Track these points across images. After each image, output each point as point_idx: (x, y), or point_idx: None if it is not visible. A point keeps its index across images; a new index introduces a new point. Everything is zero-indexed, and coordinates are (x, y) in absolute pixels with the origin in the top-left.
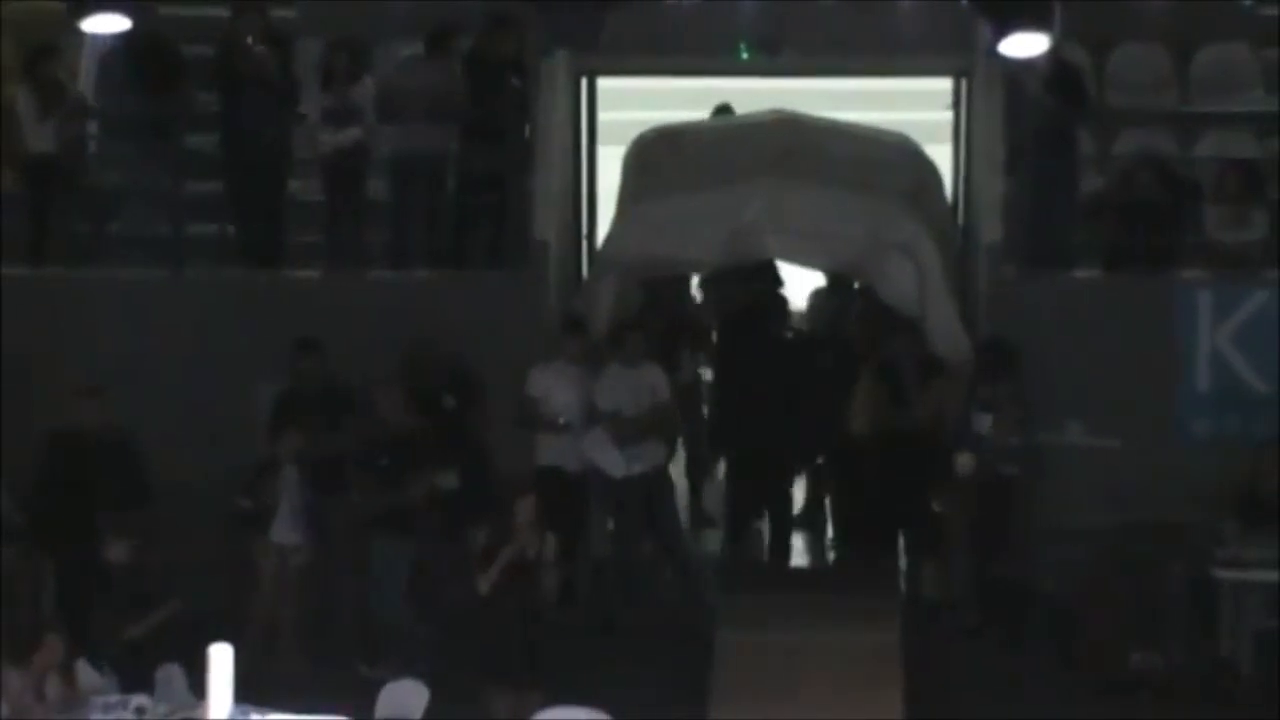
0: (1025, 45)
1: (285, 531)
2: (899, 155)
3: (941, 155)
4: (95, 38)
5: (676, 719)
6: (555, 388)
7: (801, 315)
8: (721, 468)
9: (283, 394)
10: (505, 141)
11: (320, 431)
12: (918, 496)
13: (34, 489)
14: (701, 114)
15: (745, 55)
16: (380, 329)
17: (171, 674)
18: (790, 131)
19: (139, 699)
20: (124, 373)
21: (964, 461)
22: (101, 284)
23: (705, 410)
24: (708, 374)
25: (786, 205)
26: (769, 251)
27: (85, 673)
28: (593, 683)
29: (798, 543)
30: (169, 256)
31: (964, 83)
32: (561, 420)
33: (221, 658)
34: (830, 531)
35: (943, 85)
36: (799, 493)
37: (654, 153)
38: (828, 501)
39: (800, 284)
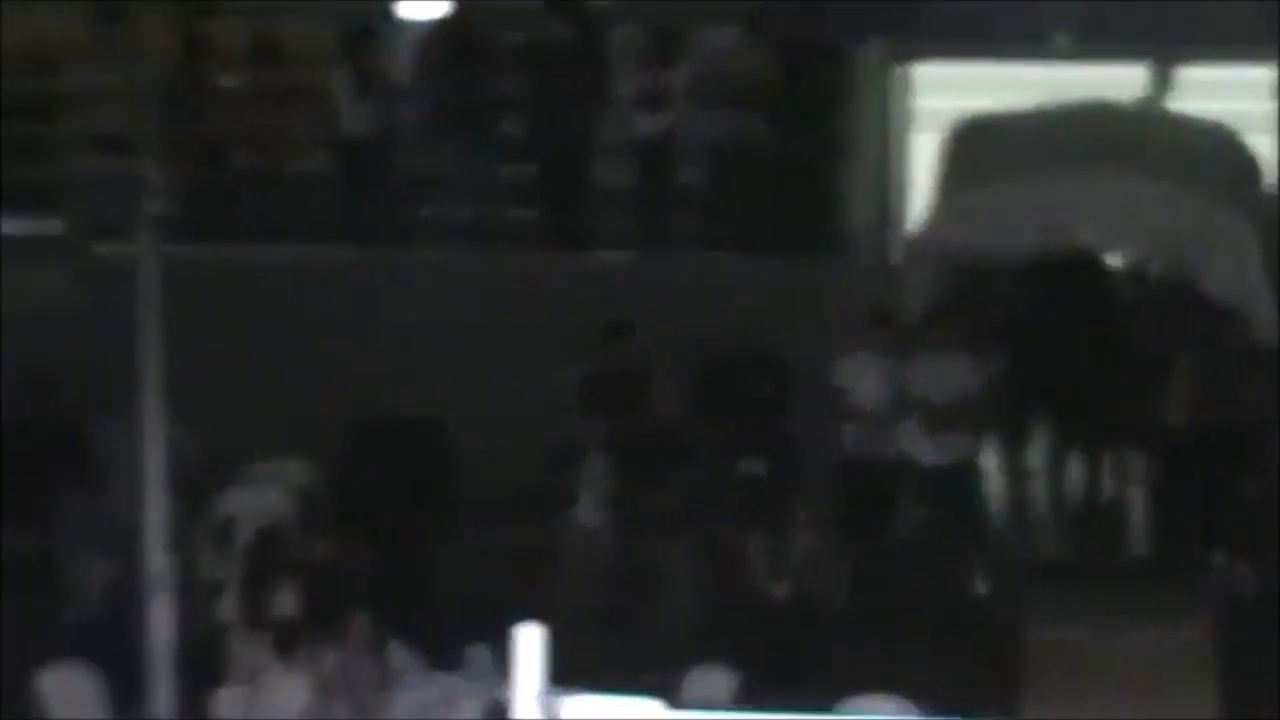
0: None
1: (589, 515)
2: (1219, 145)
3: (1263, 146)
4: (410, 23)
5: (984, 714)
6: (863, 377)
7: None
8: (1031, 456)
9: (589, 377)
10: (818, 128)
11: (625, 416)
12: (1234, 489)
13: (344, 471)
14: (1018, 102)
15: (1063, 42)
16: (689, 314)
17: (480, 654)
18: (1108, 120)
19: (449, 678)
20: (433, 356)
21: None
22: (413, 267)
23: (1015, 399)
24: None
25: (1104, 194)
26: (1085, 241)
27: (396, 652)
28: (896, 675)
29: (1105, 535)
30: (480, 240)
31: None
32: (869, 409)
33: (530, 638)
34: (1138, 524)
35: (1265, 74)
36: (1106, 483)
37: (970, 141)
38: (1134, 493)
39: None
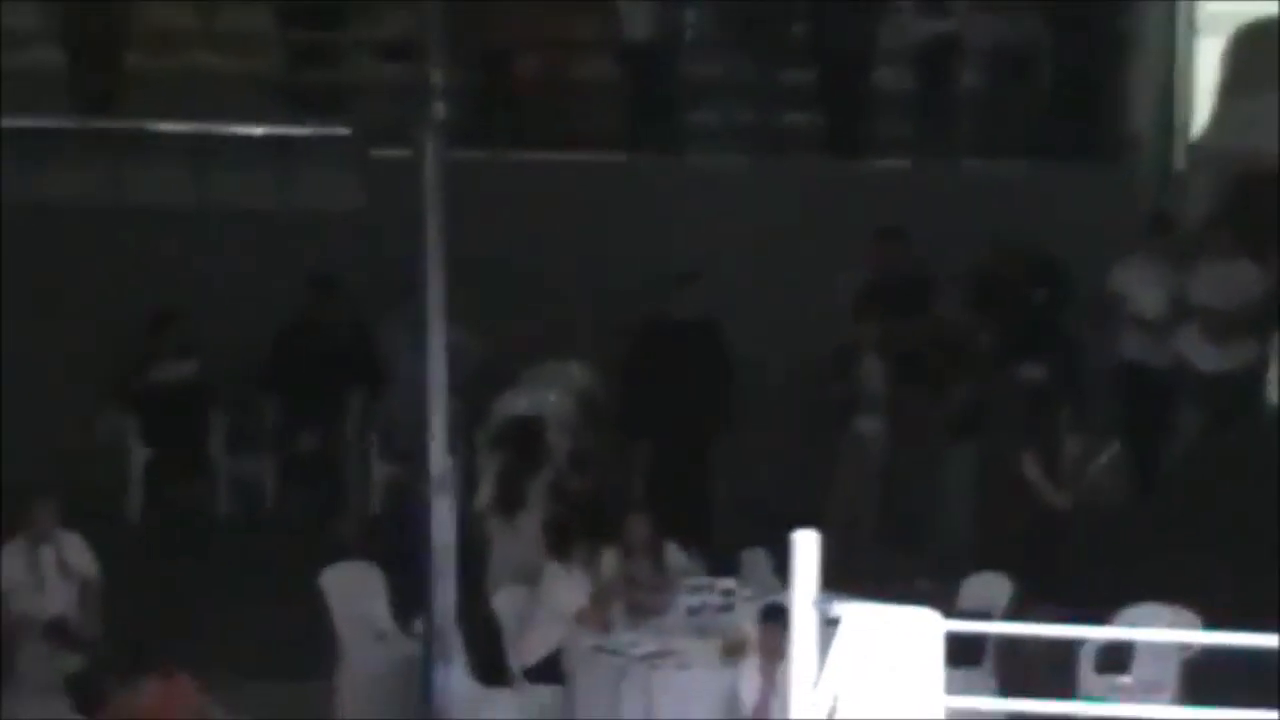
0: None
1: (865, 421)
2: None
3: None
4: None
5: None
6: (1140, 283)
7: None
8: None
9: (865, 283)
10: (1100, 32)
11: (900, 321)
12: None
13: (625, 373)
14: None
15: None
16: (967, 220)
17: (757, 558)
18: None
19: (725, 582)
20: (712, 260)
21: None
22: (692, 171)
23: None
24: None
25: None
26: None
27: (673, 554)
28: (1176, 585)
29: None
30: (759, 145)
31: None
32: (1149, 316)
33: (806, 543)
34: None
35: None
36: None
37: (1255, 45)
38: None
39: None
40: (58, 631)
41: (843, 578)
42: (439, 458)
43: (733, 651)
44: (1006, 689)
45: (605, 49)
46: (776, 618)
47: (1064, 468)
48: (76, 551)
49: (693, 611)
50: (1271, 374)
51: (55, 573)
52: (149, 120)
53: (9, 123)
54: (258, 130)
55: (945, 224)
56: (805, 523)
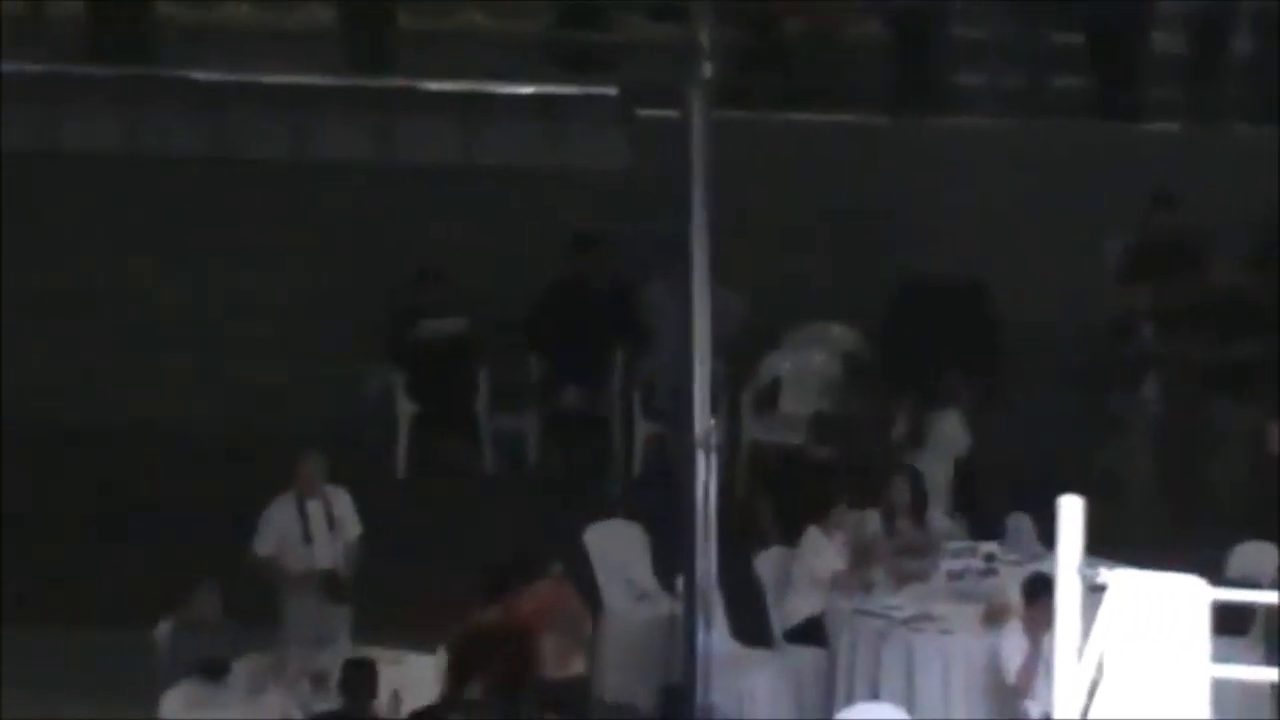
0: None
1: (1134, 384)
2: None
3: None
4: None
5: None
6: None
7: None
8: None
9: (1132, 247)
10: None
11: (1174, 287)
12: None
13: (887, 335)
14: None
15: None
16: (1237, 185)
17: (1021, 522)
18: None
19: (989, 546)
20: (979, 222)
21: None
22: (961, 133)
23: None
24: None
25: None
26: None
27: (936, 518)
28: None
29: None
30: (1029, 107)
31: None
32: None
33: (1071, 509)
34: None
35: None
36: None
37: None
38: None
39: None
40: (330, 584)
41: (1109, 543)
42: (702, 417)
43: (995, 617)
44: (1274, 659)
45: (873, 11)
46: (1043, 591)
47: None
48: (343, 507)
49: (954, 576)
50: None
51: (324, 527)
52: (419, 79)
53: (284, 79)
54: (526, 89)
55: (1214, 188)
56: (1070, 488)
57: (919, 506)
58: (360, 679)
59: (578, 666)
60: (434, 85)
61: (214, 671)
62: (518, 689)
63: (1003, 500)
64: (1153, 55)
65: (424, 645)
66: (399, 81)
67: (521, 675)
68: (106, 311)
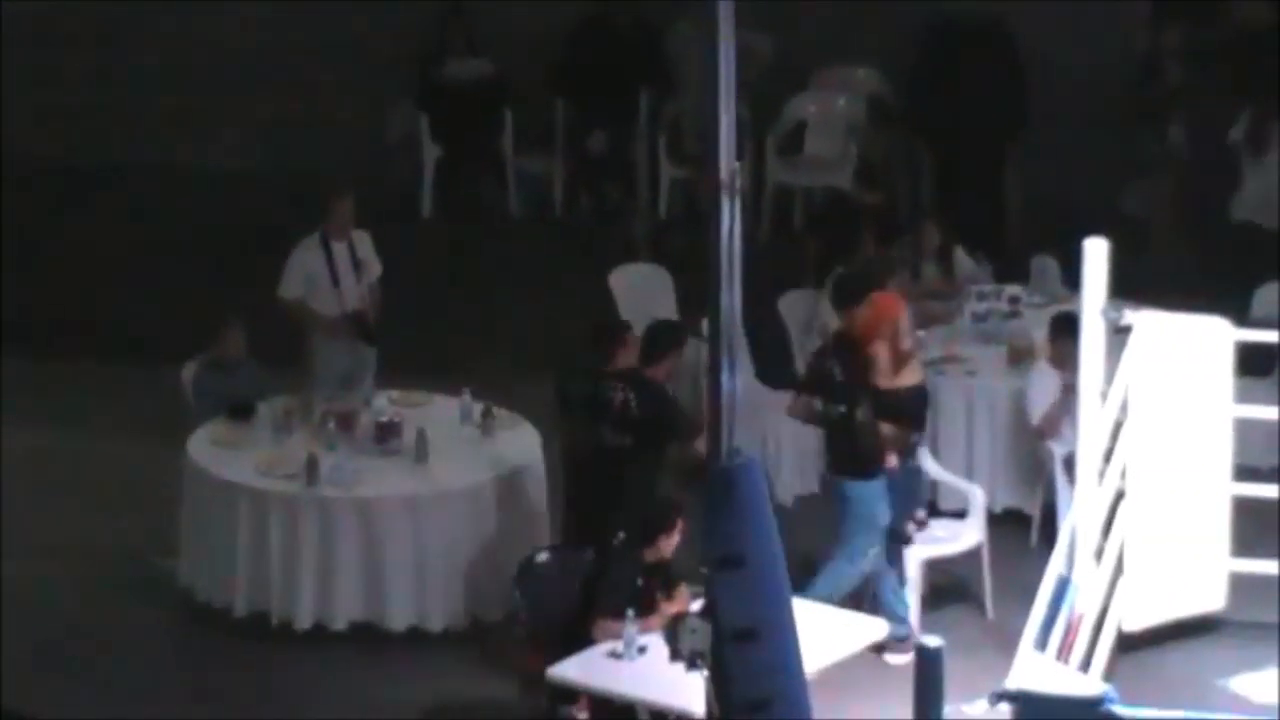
0: None
1: (1163, 124)
2: None
3: None
4: None
5: None
6: None
7: None
8: None
9: None
10: None
11: (1203, 29)
12: None
13: (913, 77)
14: None
15: None
16: None
17: (1046, 265)
18: None
19: (1013, 289)
20: None
21: None
22: None
23: None
24: None
25: None
26: None
27: (962, 261)
28: None
29: None
30: None
31: None
32: None
33: (1096, 251)
34: None
35: None
36: None
37: None
38: None
39: None
40: (357, 324)
41: (1137, 283)
42: (727, 160)
43: (1019, 357)
44: None
45: None
46: (1068, 329)
47: None
48: (366, 249)
49: (978, 318)
50: None
51: (349, 269)
52: None
53: None
54: None
55: None
56: (1097, 230)
57: (945, 250)
58: None
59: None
60: None
61: (241, 412)
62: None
63: (1030, 243)
64: None
65: (447, 387)
66: None
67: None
68: (129, 49)
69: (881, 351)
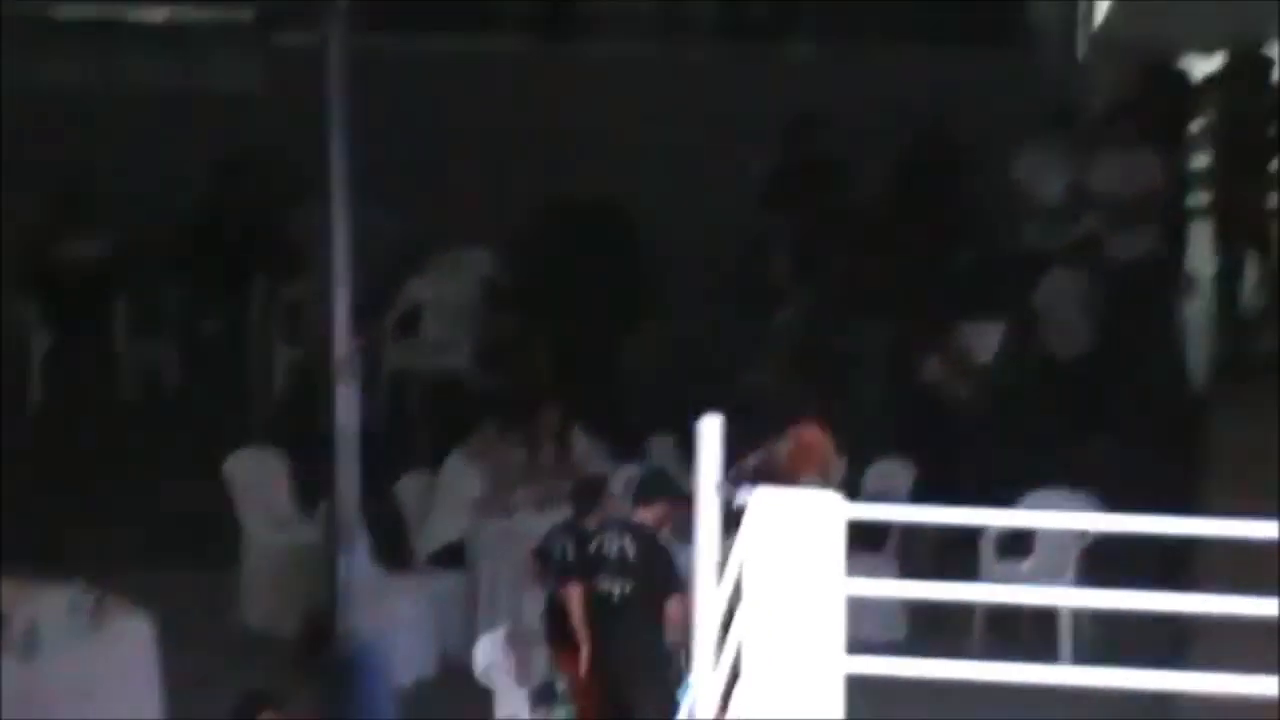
0: None
1: (778, 304)
2: None
3: None
4: None
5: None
6: (1041, 171)
7: None
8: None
9: (779, 168)
10: None
11: (815, 207)
12: None
13: (530, 258)
14: None
15: None
16: (875, 105)
17: (664, 444)
18: None
19: (630, 469)
20: (622, 146)
21: None
22: (600, 56)
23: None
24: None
25: None
26: (1273, 34)
27: (580, 441)
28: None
29: None
30: (668, 29)
31: None
32: (1050, 203)
33: (711, 430)
34: None
35: None
36: None
37: None
38: None
39: None
40: None
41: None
42: (343, 343)
43: None
44: (908, 573)
45: None
46: (649, 490)
47: (971, 354)
48: None
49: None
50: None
51: None
52: (51, 3)
53: None
54: (161, 14)
55: (855, 109)
56: (711, 407)
57: (564, 430)
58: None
59: None
60: (66, 12)
61: None
62: None
63: (648, 422)
64: None
65: (58, 576)
66: (30, 5)
67: None
68: None
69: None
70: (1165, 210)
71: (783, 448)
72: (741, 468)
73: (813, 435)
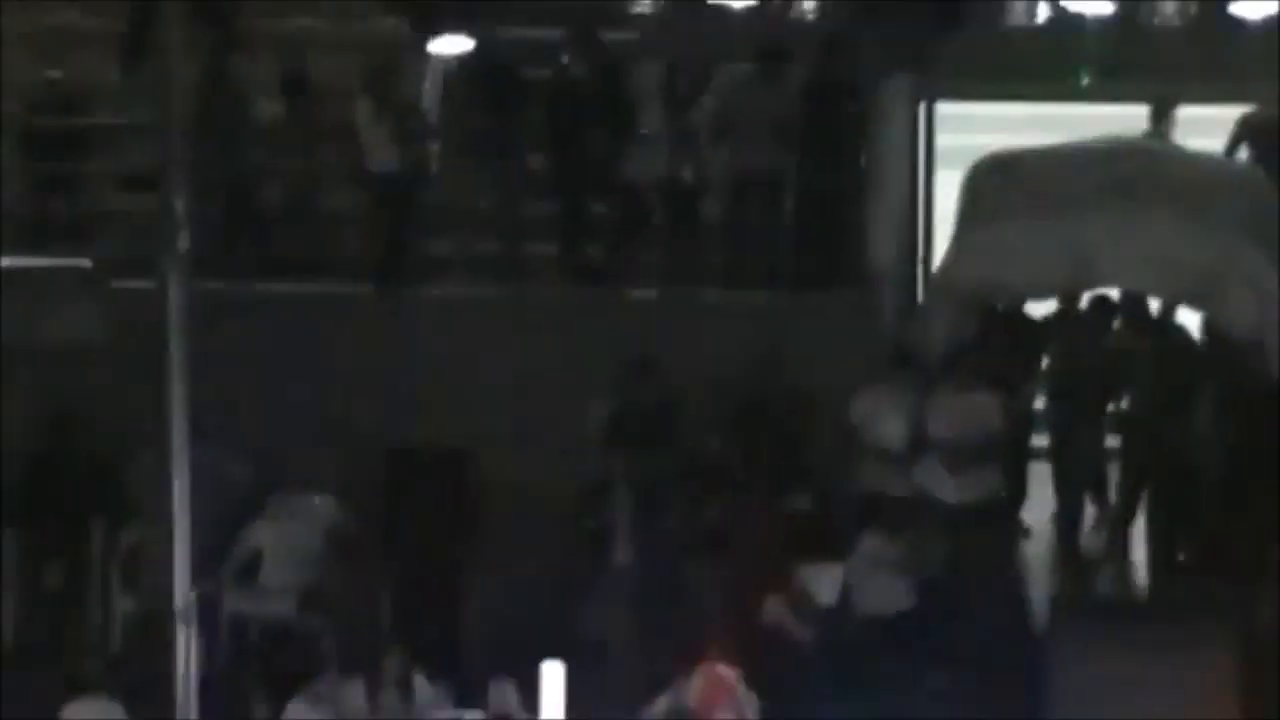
0: None
1: (617, 549)
2: (1240, 181)
3: None
4: (436, 57)
5: None
6: (883, 414)
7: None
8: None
9: (616, 412)
10: (841, 164)
11: (652, 451)
12: (1259, 521)
13: (372, 505)
14: (1041, 140)
15: (1086, 80)
16: (714, 349)
17: (505, 689)
18: (1131, 157)
19: (472, 714)
20: (461, 391)
21: None
22: (440, 302)
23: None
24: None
25: (1126, 231)
26: (1108, 278)
27: (422, 686)
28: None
29: (1132, 572)
30: (506, 275)
31: None
32: (889, 447)
33: (553, 674)
34: (1163, 559)
35: None
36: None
37: (992, 178)
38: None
39: None
40: None
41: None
42: (182, 590)
43: None
44: None
45: (349, 179)
46: None
47: (813, 593)
48: None
49: None
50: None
51: None
52: None
53: None
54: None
55: (693, 353)
56: (553, 652)
57: (406, 676)
58: None
59: None
60: None
61: None
62: None
63: (489, 666)
64: (625, 221)
65: None
66: None
67: None
68: None
69: None
70: (1004, 452)
71: (694, 686)
72: (652, 710)
73: (723, 672)
